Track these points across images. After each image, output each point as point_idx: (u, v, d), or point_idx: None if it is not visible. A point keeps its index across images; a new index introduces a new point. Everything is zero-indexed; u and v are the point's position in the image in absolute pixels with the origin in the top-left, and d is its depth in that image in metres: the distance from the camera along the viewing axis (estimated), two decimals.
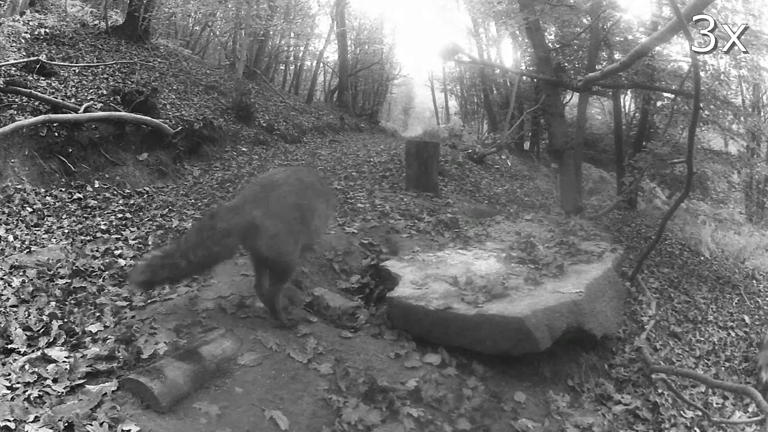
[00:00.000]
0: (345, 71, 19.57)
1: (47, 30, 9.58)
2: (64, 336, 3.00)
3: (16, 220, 5.46)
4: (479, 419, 2.95)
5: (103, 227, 5.55)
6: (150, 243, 4.88)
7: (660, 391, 4.06)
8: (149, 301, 3.47)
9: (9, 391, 2.41)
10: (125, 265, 4.28)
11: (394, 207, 6.08)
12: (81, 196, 6.49)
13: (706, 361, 5.39)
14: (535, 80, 13.40)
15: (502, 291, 3.64)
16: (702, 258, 9.12)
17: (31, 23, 9.38)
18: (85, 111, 7.45)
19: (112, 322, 3.18)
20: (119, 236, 5.18)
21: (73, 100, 7.77)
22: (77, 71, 8.94)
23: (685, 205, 9.65)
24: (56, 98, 7.57)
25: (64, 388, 2.49)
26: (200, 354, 2.71)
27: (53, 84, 8.10)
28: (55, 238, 5.15)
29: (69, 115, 7.18)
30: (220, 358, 2.78)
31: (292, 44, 19.91)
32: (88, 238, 5.17)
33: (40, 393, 2.44)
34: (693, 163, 5.50)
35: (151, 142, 8.02)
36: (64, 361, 2.67)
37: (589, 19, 9.75)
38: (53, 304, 3.50)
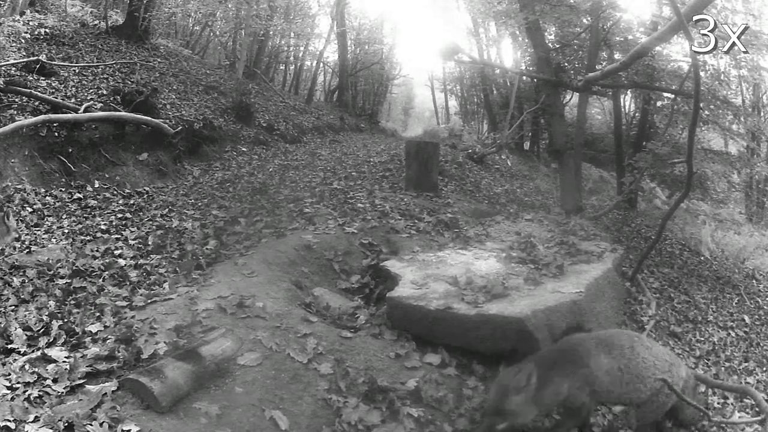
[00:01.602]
0: (345, 71, 19.56)
1: (47, 30, 9.58)
2: (64, 336, 3.00)
3: (16, 220, 5.45)
4: (479, 419, 2.95)
5: (103, 227, 5.55)
6: (150, 243, 4.88)
7: None
8: (149, 301, 3.47)
9: (9, 391, 2.41)
10: (125, 265, 4.28)
11: (394, 207, 6.07)
12: (81, 196, 6.49)
13: (706, 361, 5.38)
14: (535, 80, 13.38)
15: (502, 291, 3.64)
16: (702, 258, 9.11)
17: (31, 23, 9.39)
18: (85, 111, 7.46)
19: (112, 322, 3.18)
20: (119, 236, 5.18)
21: (73, 100, 7.77)
22: (77, 71, 8.94)
23: (685, 205, 9.64)
24: (56, 98, 7.57)
25: (64, 388, 2.49)
26: (200, 354, 2.71)
27: (53, 84, 8.10)
28: (55, 238, 5.15)
29: (69, 115, 7.18)
30: (220, 358, 2.78)
31: (292, 44, 19.92)
32: (88, 238, 5.17)
33: (40, 393, 2.44)
34: (693, 163, 5.49)
35: (151, 142, 8.02)
36: (64, 361, 2.67)
37: (589, 19, 9.74)
38: (53, 304, 3.50)
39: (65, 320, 3.21)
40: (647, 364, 2.92)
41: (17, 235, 3.21)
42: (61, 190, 6.49)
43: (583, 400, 2.86)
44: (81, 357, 2.74)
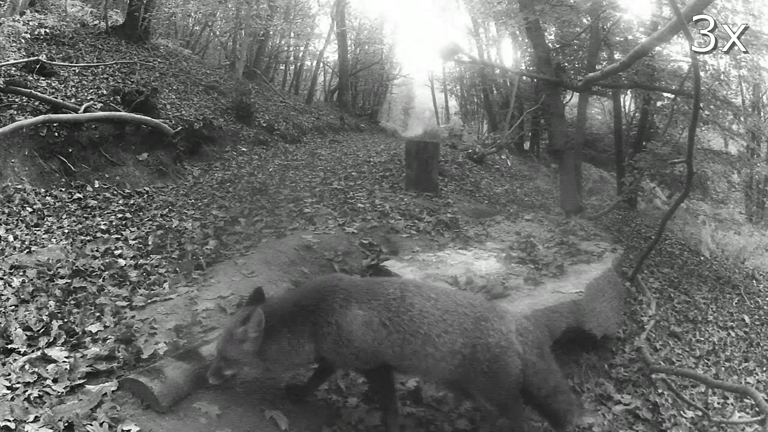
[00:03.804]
0: (345, 71, 19.56)
1: (47, 30, 9.57)
2: (64, 336, 3.00)
3: (16, 220, 5.46)
4: (479, 419, 2.95)
5: (103, 227, 5.55)
6: (150, 243, 4.88)
7: (660, 391, 4.06)
8: (149, 301, 3.47)
9: (9, 391, 2.41)
10: (125, 265, 4.28)
11: (394, 207, 6.08)
12: (81, 196, 6.49)
13: (706, 361, 5.39)
14: (535, 80, 13.39)
15: (502, 291, 3.64)
16: (702, 258, 9.12)
17: (31, 23, 9.38)
18: (85, 111, 7.45)
19: (112, 322, 3.18)
20: (119, 236, 5.18)
21: (73, 100, 7.77)
22: (77, 71, 8.94)
23: (685, 205, 9.65)
24: (56, 98, 7.57)
25: (64, 388, 2.49)
26: (200, 354, 2.71)
27: (53, 84, 8.10)
28: (55, 238, 5.15)
29: (69, 115, 7.18)
30: None
31: (292, 44, 19.90)
32: (88, 238, 5.17)
33: (40, 393, 2.44)
34: (693, 163, 5.50)
35: (151, 142, 8.02)
36: (64, 361, 2.67)
37: (589, 19, 9.75)
38: (53, 304, 3.50)
39: (65, 320, 3.21)
40: (430, 318, 2.35)
41: None
42: (61, 190, 6.49)
43: (338, 363, 2.42)
44: (81, 357, 2.74)
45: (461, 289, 3.69)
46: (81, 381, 2.55)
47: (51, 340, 2.96)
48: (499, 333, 2.41)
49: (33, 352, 2.82)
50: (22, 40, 8.73)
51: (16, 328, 3.03)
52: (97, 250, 4.64)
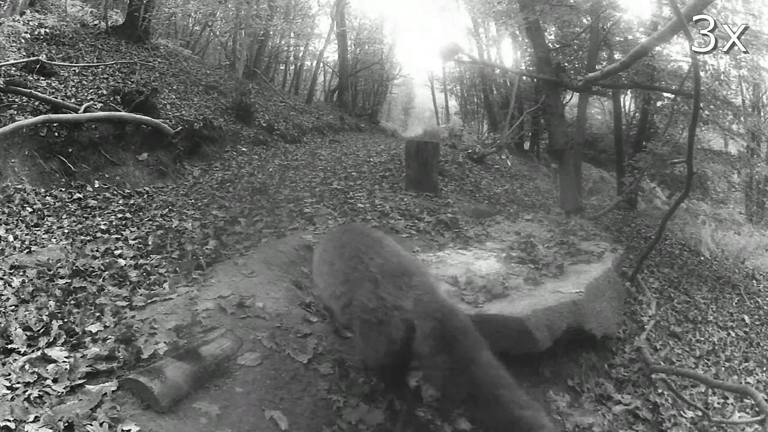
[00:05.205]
0: (345, 71, 19.57)
1: (47, 30, 9.58)
2: (64, 336, 3.00)
3: (16, 220, 5.46)
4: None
5: (103, 227, 5.55)
6: (150, 243, 4.88)
7: (660, 391, 4.06)
8: (149, 301, 3.47)
9: (9, 391, 2.41)
10: (125, 265, 4.28)
11: (394, 207, 6.07)
12: (81, 196, 6.49)
13: (706, 361, 5.39)
14: (535, 80, 13.40)
15: (502, 291, 3.64)
16: (702, 258, 9.12)
17: (31, 23, 9.38)
18: (85, 111, 7.46)
19: (112, 322, 3.18)
20: (119, 236, 5.18)
21: (73, 100, 7.78)
22: (77, 71, 8.94)
23: (685, 205, 9.66)
24: (56, 98, 7.57)
25: (64, 388, 2.49)
26: (200, 354, 2.71)
27: (53, 84, 8.10)
28: (55, 238, 5.15)
29: (69, 115, 7.18)
30: (220, 358, 2.78)
31: (292, 44, 19.90)
32: (88, 238, 5.17)
33: (40, 393, 2.44)
34: (693, 163, 5.50)
35: (151, 142, 8.02)
36: (64, 361, 2.67)
37: (589, 19, 9.76)
38: (53, 304, 3.50)
39: (65, 320, 3.21)
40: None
41: None
42: (61, 190, 6.49)
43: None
44: (81, 357, 2.74)
45: (462, 290, 3.69)
46: (81, 381, 2.55)
47: (51, 340, 2.96)
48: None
49: (33, 352, 2.82)
50: (22, 40, 8.73)
51: (16, 328, 3.03)
52: (97, 250, 4.64)
